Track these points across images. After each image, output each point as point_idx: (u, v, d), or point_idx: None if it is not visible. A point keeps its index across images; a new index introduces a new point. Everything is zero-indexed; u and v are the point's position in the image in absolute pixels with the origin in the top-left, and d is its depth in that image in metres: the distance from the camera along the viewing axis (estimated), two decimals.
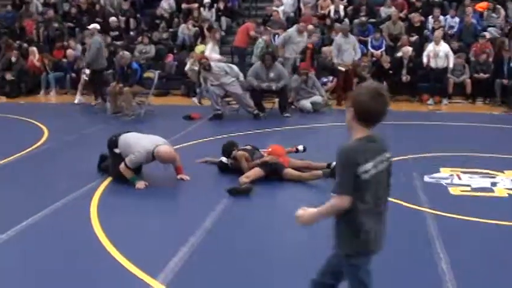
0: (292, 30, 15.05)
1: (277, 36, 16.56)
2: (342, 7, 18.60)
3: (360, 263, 3.42)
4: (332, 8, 18.62)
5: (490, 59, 15.62)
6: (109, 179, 7.73)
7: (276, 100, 13.47)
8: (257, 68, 13.09)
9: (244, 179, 7.42)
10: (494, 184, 7.63)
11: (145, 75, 14.11)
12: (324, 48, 16.45)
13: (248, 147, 8.21)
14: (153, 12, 20.25)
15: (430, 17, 17.52)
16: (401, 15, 17.86)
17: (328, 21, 17.98)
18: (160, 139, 7.66)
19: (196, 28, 18.34)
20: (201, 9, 19.47)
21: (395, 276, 4.94)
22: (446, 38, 16.18)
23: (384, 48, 16.56)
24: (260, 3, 20.47)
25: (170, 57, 17.71)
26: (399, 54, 15.92)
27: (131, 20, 19.81)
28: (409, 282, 4.83)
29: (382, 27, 17.20)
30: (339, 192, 3.23)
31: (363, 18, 17.62)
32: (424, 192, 7.24)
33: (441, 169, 8.24)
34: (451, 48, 15.50)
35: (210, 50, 15.05)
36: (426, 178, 7.84)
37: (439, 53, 15.16)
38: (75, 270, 5.04)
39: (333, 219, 3.39)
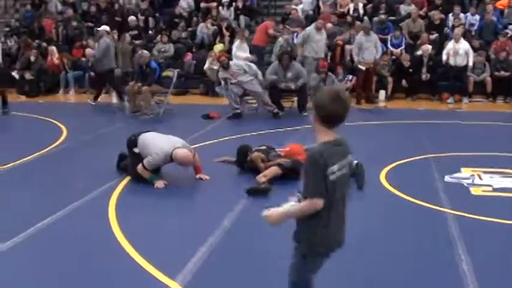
0: (311, 28, 14.95)
1: (295, 35, 16.50)
2: (361, 5, 18.50)
3: (313, 259, 3.58)
4: (351, 6, 18.52)
5: (511, 57, 15.45)
6: (128, 178, 7.72)
7: (295, 99, 13.41)
8: (275, 68, 13.04)
9: (262, 178, 7.38)
10: None
11: (164, 74, 14.11)
12: (345, 47, 16.39)
13: (263, 147, 8.16)
14: (171, 11, 20.26)
15: (450, 14, 17.37)
16: (421, 13, 17.72)
17: (349, 19, 17.85)
18: (179, 140, 7.64)
19: (215, 27, 18.33)
20: (220, 8, 19.47)
21: (416, 277, 4.89)
22: (466, 35, 16.02)
23: (403, 47, 16.44)
24: (279, 1, 20.40)
25: (189, 56, 17.73)
26: (419, 52, 15.80)
27: (150, 19, 19.85)
28: (430, 284, 4.76)
29: (401, 25, 17.09)
30: (312, 196, 3.33)
31: (383, 16, 17.48)
32: (445, 192, 7.16)
33: (462, 169, 8.15)
34: (472, 46, 15.37)
35: (236, 48, 14.98)
36: (447, 178, 7.75)
37: (458, 51, 15.03)
38: (93, 271, 5.03)
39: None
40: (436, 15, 17.27)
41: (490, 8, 17.10)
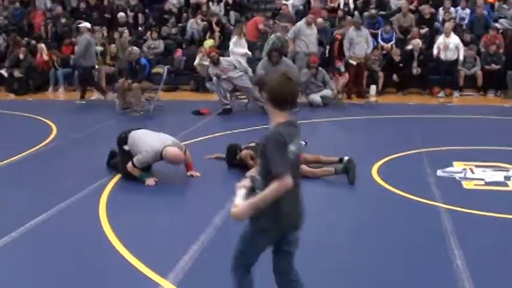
0: (301, 23, 14.91)
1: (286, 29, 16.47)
2: (351, 0, 18.45)
3: (263, 234, 3.57)
4: (342, 0, 18.50)
5: (501, 50, 15.49)
6: (118, 176, 7.66)
7: None
8: (264, 64, 12.98)
9: (251, 174, 7.30)
10: (508, 178, 7.53)
11: (154, 70, 14.04)
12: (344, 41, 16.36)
13: (252, 144, 8.10)
14: (161, 7, 20.19)
15: (440, 8, 17.37)
16: (412, 7, 17.71)
17: (340, 14, 17.81)
18: (169, 138, 7.58)
19: (205, 22, 18.26)
20: (210, 3, 19.41)
21: (409, 272, 4.87)
22: (457, 30, 16.02)
23: (394, 41, 16.42)
24: None
25: (179, 52, 17.67)
26: (409, 46, 15.78)
27: (139, 15, 19.77)
28: (424, 278, 4.73)
29: (392, 20, 17.07)
30: (280, 173, 3.32)
31: (373, 11, 17.47)
32: (437, 186, 7.14)
33: (454, 163, 8.14)
34: (463, 41, 15.38)
35: (233, 45, 14.89)
36: (439, 172, 7.73)
37: (449, 45, 15.01)
38: (84, 269, 4.98)
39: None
40: (426, 9, 17.27)
41: (481, 1, 17.08)
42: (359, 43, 14.51)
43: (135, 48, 13.78)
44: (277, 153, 3.36)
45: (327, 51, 14.35)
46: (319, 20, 16.44)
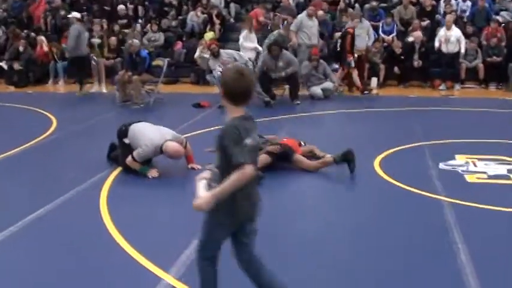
0: (303, 15, 14.85)
1: (285, 22, 16.41)
2: None
3: (222, 222, 3.63)
4: None
5: (503, 43, 15.43)
6: (118, 169, 7.62)
7: (287, 87, 13.31)
8: (265, 59, 12.92)
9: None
10: (510, 171, 7.49)
11: (154, 63, 13.99)
12: (337, 34, 16.30)
13: None
14: None
15: (441, 1, 17.34)
16: None
17: (341, 6, 17.72)
18: (169, 132, 7.52)
19: (205, 15, 18.19)
20: None
21: (413, 265, 4.83)
22: (458, 22, 15.95)
23: (395, 34, 16.36)
24: None
25: (179, 45, 17.59)
26: (410, 39, 15.71)
27: (139, 8, 19.68)
28: (428, 272, 4.69)
29: (393, 12, 17.00)
30: (242, 163, 3.39)
31: (374, 3, 17.40)
32: (439, 180, 7.10)
33: (456, 156, 8.09)
34: (465, 33, 15.31)
35: (244, 39, 14.78)
36: (441, 165, 7.69)
37: (450, 38, 14.94)
38: (85, 264, 4.94)
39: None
40: (427, 1, 17.19)
41: None
42: (360, 35, 14.43)
43: (135, 40, 13.75)
44: (232, 145, 3.44)
45: (338, 45, 14.20)
46: (320, 12, 16.38)
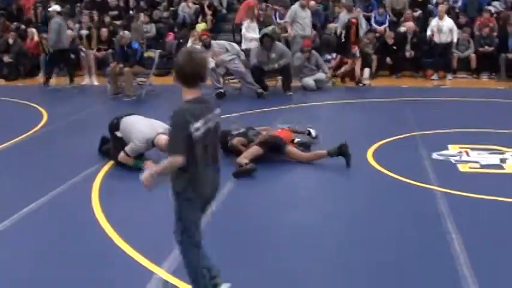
0: (296, 6, 14.80)
1: (277, 13, 16.36)
2: None
3: (188, 205, 3.78)
4: None
5: (494, 33, 15.41)
6: (110, 163, 7.57)
7: (279, 78, 13.27)
8: (257, 51, 12.86)
9: (242, 159, 7.24)
10: (503, 160, 7.51)
11: (146, 54, 13.91)
12: (329, 25, 16.28)
13: (241, 129, 8.00)
14: None
15: None
16: None
17: None
18: (161, 125, 7.42)
19: (197, 6, 18.10)
20: None
21: (406, 256, 4.83)
22: (450, 12, 15.93)
23: (387, 24, 16.31)
24: None
25: (171, 36, 17.49)
26: (402, 29, 15.68)
27: None
28: (422, 262, 4.68)
29: (385, 2, 16.95)
30: (172, 152, 3.62)
31: None
32: (433, 170, 7.10)
33: (449, 146, 8.09)
34: (458, 23, 15.27)
35: (246, 29, 14.68)
36: (434, 155, 7.69)
37: (442, 28, 14.90)
38: (77, 259, 4.91)
39: None
40: None
41: None
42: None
43: (126, 32, 13.66)
44: (172, 133, 3.64)
45: (342, 36, 14.11)
46: (312, 2, 16.30)
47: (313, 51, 13.62)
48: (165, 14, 18.66)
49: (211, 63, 12.32)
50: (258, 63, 12.67)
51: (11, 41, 16.98)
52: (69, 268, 4.74)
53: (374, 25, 16.32)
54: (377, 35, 16.01)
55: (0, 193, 6.69)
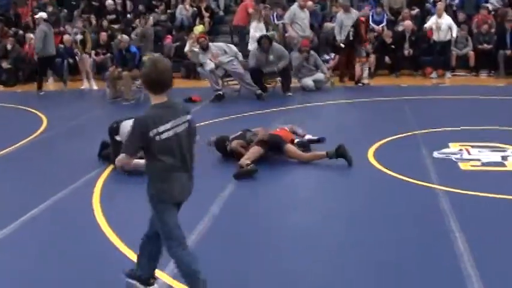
0: (295, 7, 14.78)
1: (275, 14, 16.35)
2: None
3: (164, 208, 3.92)
4: None
5: (493, 30, 15.40)
6: (111, 167, 7.55)
7: (278, 79, 13.25)
8: (256, 52, 12.84)
9: (245, 160, 7.23)
10: (505, 158, 7.49)
11: (145, 58, 13.88)
12: (326, 24, 16.27)
13: (239, 132, 7.99)
14: None
15: None
16: None
17: None
18: None
19: (194, 8, 18.09)
20: None
21: (410, 255, 4.81)
22: (447, 10, 15.91)
23: (385, 23, 16.31)
24: None
25: (169, 39, 17.48)
26: (400, 28, 15.66)
27: (128, 3, 19.54)
28: (425, 261, 4.66)
29: (383, 2, 16.94)
30: (124, 151, 3.85)
31: None
32: (434, 168, 7.09)
33: (450, 144, 8.08)
34: (456, 21, 15.23)
35: (254, 30, 14.67)
36: (435, 154, 7.68)
37: (441, 26, 14.87)
38: (79, 264, 4.89)
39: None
40: None
41: None
42: (349, 26, 14.32)
43: (124, 36, 13.65)
44: (130, 134, 3.83)
45: (351, 34, 14.08)
46: (309, 3, 16.28)
47: (312, 52, 13.60)
48: (163, 17, 18.66)
49: (210, 65, 12.33)
50: (257, 64, 12.66)
51: (9, 46, 17.00)
52: (71, 270, 4.72)
53: (372, 24, 16.30)
54: (375, 34, 16.01)
55: (2, 199, 6.67)
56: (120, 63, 12.94)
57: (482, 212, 5.76)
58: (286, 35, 14.93)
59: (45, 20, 14.87)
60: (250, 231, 5.52)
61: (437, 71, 14.89)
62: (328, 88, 13.46)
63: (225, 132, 8.19)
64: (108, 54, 15.96)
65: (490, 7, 16.39)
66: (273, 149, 7.55)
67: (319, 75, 13.40)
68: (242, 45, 15.21)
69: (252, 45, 14.10)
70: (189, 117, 3.98)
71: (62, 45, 16.90)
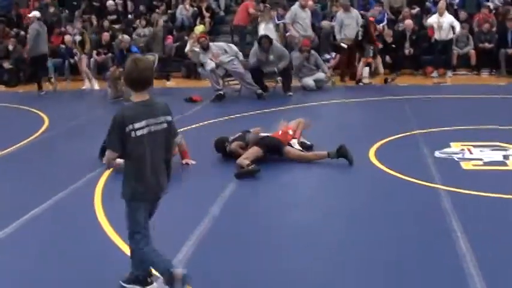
0: (296, 7, 14.78)
1: (277, 14, 16.35)
2: None
3: (137, 206, 4.05)
4: None
5: (494, 29, 15.38)
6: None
7: (279, 79, 13.24)
8: (256, 52, 12.83)
9: (243, 160, 7.22)
10: (506, 157, 7.47)
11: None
12: (324, 23, 16.27)
13: (238, 134, 7.98)
14: None
15: None
16: None
17: None
18: None
19: (195, 8, 18.08)
20: None
21: (412, 255, 4.80)
22: (448, 9, 15.88)
23: (385, 22, 16.28)
24: None
25: (169, 39, 17.47)
26: (401, 27, 15.65)
27: (128, 3, 19.54)
28: (428, 260, 4.65)
29: (383, 1, 16.92)
30: (107, 147, 4.03)
31: None
32: (436, 168, 7.08)
33: (452, 144, 8.07)
34: (458, 19, 15.19)
35: (263, 30, 14.67)
36: (437, 153, 7.66)
37: (443, 25, 14.84)
38: (81, 264, 4.88)
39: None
40: None
41: None
42: (349, 25, 14.33)
43: (125, 36, 13.67)
44: (110, 130, 3.94)
45: (360, 33, 14.06)
46: (310, 2, 16.27)
47: (312, 51, 13.59)
48: (164, 17, 18.63)
49: (211, 65, 12.32)
50: (257, 62, 12.65)
51: (10, 47, 17.01)
52: (72, 270, 4.72)
53: None
54: (376, 33, 15.97)
55: (3, 199, 6.66)
56: (121, 63, 12.91)
57: (484, 212, 5.75)
58: (287, 34, 14.94)
59: (38, 19, 14.85)
60: (250, 231, 5.51)
61: (438, 70, 14.87)
62: (329, 88, 13.46)
63: (225, 132, 8.19)
64: (109, 54, 15.96)
65: (491, 6, 16.38)
66: (272, 151, 7.55)
67: (320, 75, 13.39)
68: (242, 45, 15.22)
69: None
70: (169, 118, 4.11)
71: (63, 46, 16.93)
